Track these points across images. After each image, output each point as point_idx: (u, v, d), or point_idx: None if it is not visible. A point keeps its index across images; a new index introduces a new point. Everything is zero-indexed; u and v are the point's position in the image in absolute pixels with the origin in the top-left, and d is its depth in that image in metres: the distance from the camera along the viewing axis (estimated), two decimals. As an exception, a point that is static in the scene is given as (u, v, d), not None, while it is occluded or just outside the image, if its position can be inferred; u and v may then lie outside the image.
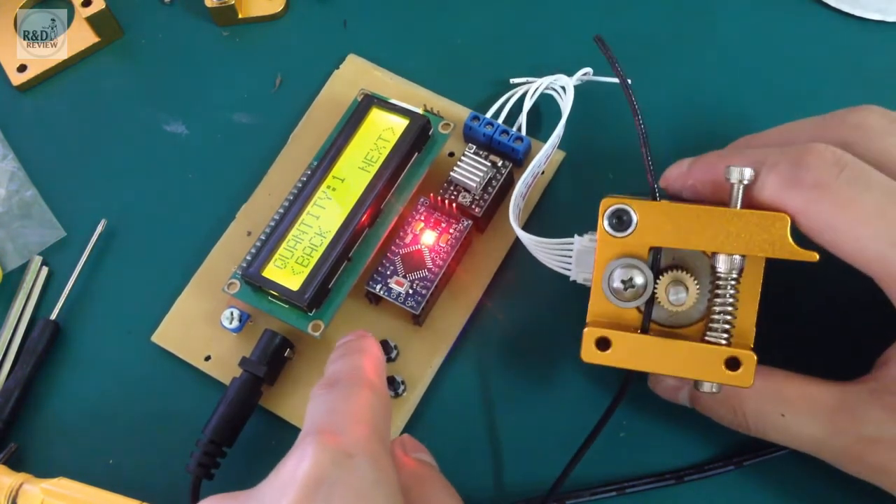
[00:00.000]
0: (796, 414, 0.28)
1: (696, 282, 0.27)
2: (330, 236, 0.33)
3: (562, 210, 0.36)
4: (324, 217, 0.34)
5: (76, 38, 0.42)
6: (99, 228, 0.37)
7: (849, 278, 0.26)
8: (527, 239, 0.31)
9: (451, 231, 0.34)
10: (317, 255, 0.33)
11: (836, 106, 0.29)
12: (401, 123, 0.35)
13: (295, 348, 0.34)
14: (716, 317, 0.27)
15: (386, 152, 0.34)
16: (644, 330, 0.27)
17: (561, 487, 0.30)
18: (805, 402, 0.28)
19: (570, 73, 0.37)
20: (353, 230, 0.33)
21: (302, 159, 0.36)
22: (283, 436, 0.33)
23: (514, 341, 0.34)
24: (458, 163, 0.35)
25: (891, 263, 0.25)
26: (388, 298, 0.33)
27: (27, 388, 0.35)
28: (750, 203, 0.26)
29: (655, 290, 0.27)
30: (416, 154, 0.35)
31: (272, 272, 0.33)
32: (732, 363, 0.26)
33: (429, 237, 0.34)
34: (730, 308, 0.26)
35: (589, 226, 0.29)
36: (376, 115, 0.36)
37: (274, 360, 0.33)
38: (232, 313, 0.34)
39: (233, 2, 0.41)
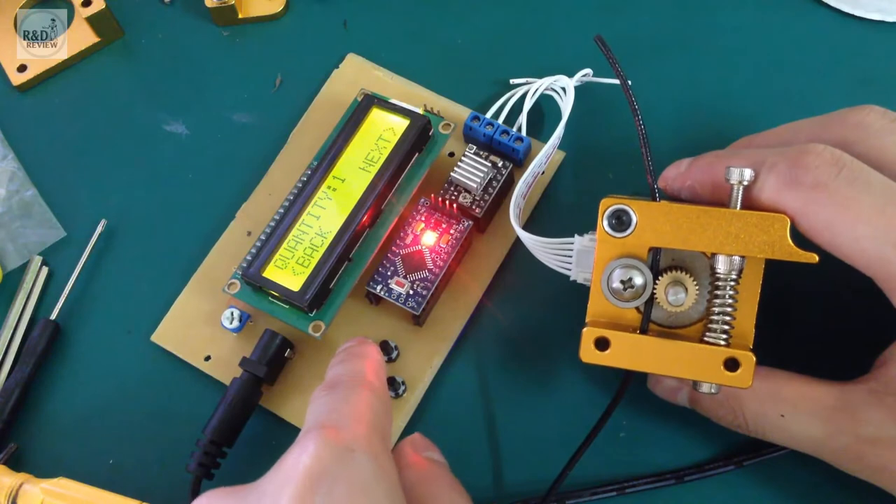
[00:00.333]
0: (796, 414, 0.28)
1: (695, 282, 0.27)
2: (330, 237, 0.33)
3: (562, 210, 0.36)
4: (324, 217, 0.34)
5: (76, 38, 0.42)
6: (99, 228, 0.37)
7: (849, 278, 0.26)
8: (527, 239, 0.31)
9: (452, 231, 0.34)
10: (317, 256, 0.33)
11: (836, 106, 0.29)
12: (401, 123, 0.35)
13: (295, 348, 0.34)
14: (715, 317, 0.27)
15: (386, 152, 0.34)
16: (643, 330, 0.27)
17: (561, 487, 0.30)
18: (804, 402, 0.28)
19: (570, 74, 0.37)
20: (354, 230, 0.33)
21: (302, 159, 0.36)
22: (283, 436, 0.33)
23: (514, 341, 0.34)
24: (459, 163, 0.35)
25: (890, 263, 0.25)
26: (388, 299, 0.33)
27: (27, 388, 0.35)
28: (749, 204, 0.26)
29: (655, 291, 0.27)
30: (417, 154, 0.35)
31: (273, 272, 0.33)
32: (731, 364, 0.26)
33: (429, 238, 0.34)
34: (729, 309, 0.26)
35: (589, 226, 0.29)
36: (376, 115, 0.36)
37: (274, 361, 0.33)
38: (232, 313, 0.34)
39: (233, 2, 0.41)
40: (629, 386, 0.29)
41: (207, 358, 0.34)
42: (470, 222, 0.34)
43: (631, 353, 0.27)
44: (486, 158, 0.35)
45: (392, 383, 0.33)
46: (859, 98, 0.29)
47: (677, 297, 0.27)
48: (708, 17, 0.39)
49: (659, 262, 0.27)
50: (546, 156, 0.34)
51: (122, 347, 0.35)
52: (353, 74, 0.39)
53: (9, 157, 0.40)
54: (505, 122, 0.36)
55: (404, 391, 0.33)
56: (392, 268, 0.34)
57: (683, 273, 0.27)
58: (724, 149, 0.31)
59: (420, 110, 0.35)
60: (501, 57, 0.39)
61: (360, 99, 0.36)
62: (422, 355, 0.34)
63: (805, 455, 0.29)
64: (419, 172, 0.35)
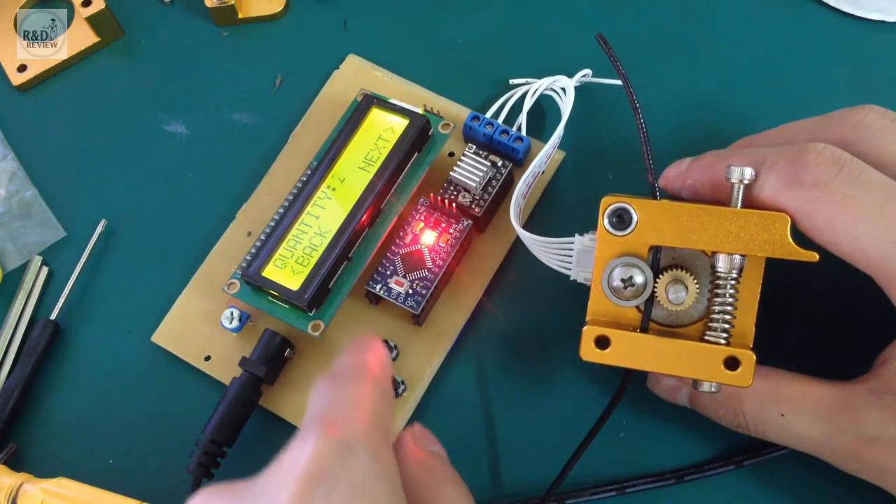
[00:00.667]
0: (796, 414, 0.28)
1: (695, 281, 0.27)
2: (330, 236, 0.33)
3: (562, 210, 0.36)
4: (324, 217, 0.34)
5: (76, 38, 0.42)
6: (99, 228, 0.37)
7: (849, 278, 0.26)
8: (527, 238, 0.31)
9: (451, 231, 0.34)
10: (317, 255, 0.33)
11: (836, 106, 0.29)
12: (401, 123, 0.35)
13: (295, 348, 0.34)
14: (715, 316, 0.27)
15: (386, 152, 0.34)
16: (643, 329, 0.27)
17: (560, 487, 0.30)
18: (805, 401, 0.28)
19: (570, 74, 0.37)
20: (353, 230, 0.33)
21: (302, 159, 0.36)
22: (282, 435, 0.33)
23: (514, 341, 0.34)
24: (458, 163, 0.35)
25: (890, 262, 0.25)
26: (388, 298, 0.33)
27: (27, 388, 0.35)
28: (750, 203, 0.26)
29: (655, 289, 0.27)
30: (416, 154, 0.35)
31: (272, 272, 0.33)
32: (731, 363, 0.26)
33: (429, 237, 0.34)
34: (729, 308, 0.26)
35: (589, 225, 0.29)
36: (376, 115, 0.36)
37: (274, 360, 0.33)
38: (232, 313, 0.34)
39: (233, 2, 0.41)
40: (629, 385, 0.29)
41: (207, 358, 0.34)
42: (469, 222, 0.34)
43: (631, 351, 0.27)
44: (485, 158, 0.35)
45: (392, 383, 0.33)
46: (859, 98, 0.29)
47: (678, 295, 0.27)
48: (708, 17, 0.39)
49: (659, 261, 0.27)
50: (546, 155, 0.34)
51: (122, 347, 0.35)
52: (353, 74, 0.39)
53: (9, 157, 0.40)
54: (505, 122, 0.36)
55: (404, 391, 0.33)
56: (391, 267, 0.34)
57: (684, 272, 0.27)
58: (724, 148, 0.31)
59: (420, 110, 0.35)
60: (501, 57, 0.39)
61: (359, 99, 0.37)
62: (421, 355, 0.34)
63: (805, 455, 0.28)
64: (419, 172, 0.35)
